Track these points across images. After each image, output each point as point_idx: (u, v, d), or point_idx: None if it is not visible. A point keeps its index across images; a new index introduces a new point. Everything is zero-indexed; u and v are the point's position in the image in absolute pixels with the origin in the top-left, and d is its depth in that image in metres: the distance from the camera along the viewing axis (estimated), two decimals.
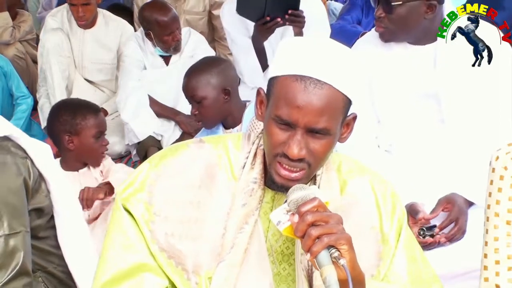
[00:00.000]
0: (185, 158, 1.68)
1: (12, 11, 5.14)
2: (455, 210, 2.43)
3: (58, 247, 2.06)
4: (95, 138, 3.08)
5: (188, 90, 2.93)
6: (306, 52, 1.54)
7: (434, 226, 2.44)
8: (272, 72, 1.58)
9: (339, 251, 1.43)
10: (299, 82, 1.50)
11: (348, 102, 1.55)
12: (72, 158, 3.11)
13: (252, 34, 3.63)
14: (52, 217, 2.05)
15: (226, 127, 2.99)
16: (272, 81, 1.57)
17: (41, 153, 2.01)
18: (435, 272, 1.75)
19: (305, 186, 1.53)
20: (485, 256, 1.77)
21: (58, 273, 2.07)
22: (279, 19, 3.44)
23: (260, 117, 1.62)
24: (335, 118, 1.53)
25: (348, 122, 1.61)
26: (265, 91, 1.61)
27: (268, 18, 3.43)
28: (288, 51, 1.56)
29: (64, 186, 2.06)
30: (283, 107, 1.52)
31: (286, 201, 1.51)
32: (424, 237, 2.41)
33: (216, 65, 2.95)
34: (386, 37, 2.58)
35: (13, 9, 5.19)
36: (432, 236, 2.42)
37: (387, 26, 2.54)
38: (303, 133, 1.52)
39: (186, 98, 2.99)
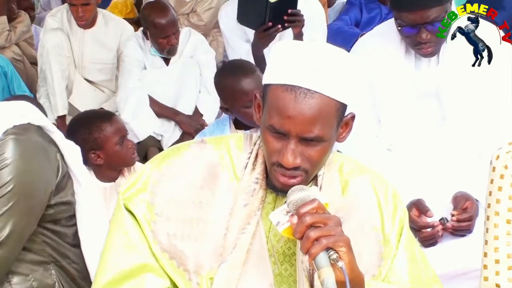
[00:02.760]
0: (188, 158, 1.68)
1: (10, 12, 5.10)
2: (474, 208, 2.43)
3: (75, 245, 2.05)
4: (119, 145, 2.99)
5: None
6: (297, 60, 1.53)
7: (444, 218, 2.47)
8: (265, 78, 1.58)
9: (337, 253, 1.43)
10: (290, 92, 1.50)
11: (342, 106, 1.55)
12: (105, 170, 3.05)
13: (252, 42, 3.62)
14: (73, 215, 2.05)
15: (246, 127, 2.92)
16: (265, 88, 1.57)
17: (72, 151, 2.02)
18: (435, 273, 1.75)
19: (305, 187, 1.53)
20: (485, 255, 1.77)
21: (71, 269, 2.06)
22: (279, 26, 3.44)
23: (258, 120, 1.63)
24: (329, 125, 1.54)
25: (346, 122, 1.62)
26: (261, 94, 1.61)
27: (270, 24, 3.43)
28: (280, 58, 1.56)
29: (90, 188, 2.06)
30: (275, 117, 1.52)
31: (286, 201, 1.52)
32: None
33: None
34: (435, 52, 2.55)
35: (11, 8, 5.15)
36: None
37: (436, 44, 2.50)
38: (296, 142, 1.53)
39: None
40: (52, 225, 1.97)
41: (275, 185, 1.60)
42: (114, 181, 3.08)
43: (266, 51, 3.57)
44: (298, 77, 1.51)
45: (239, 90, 2.79)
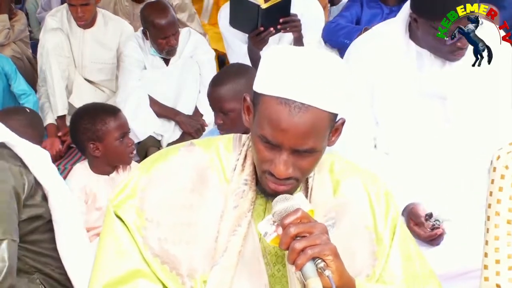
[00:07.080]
0: (176, 162, 1.67)
1: (9, 11, 5.12)
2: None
3: (54, 249, 2.05)
4: (119, 141, 3.02)
5: (215, 101, 2.72)
6: (290, 72, 1.49)
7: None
8: (257, 86, 1.54)
9: (324, 261, 1.43)
10: (284, 106, 1.48)
11: (334, 116, 1.54)
12: (101, 163, 3.08)
13: (248, 45, 3.62)
14: (49, 221, 2.04)
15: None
16: (257, 96, 1.54)
17: (38, 160, 2.00)
18: (431, 268, 1.75)
19: (289, 196, 1.52)
20: (486, 255, 1.77)
21: (55, 274, 2.06)
22: (272, 29, 3.42)
23: (248, 123, 1.61)
24: (321, 137, 1.53)
25: (336, 128, 1.60)
26: (251, 98, 1.59)
27: (262, 29, 3.42)
28: (272, 67, 1.52)
29: (63, 193, 2.05)
30: (267, 128, 1.50)
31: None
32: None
33: (243, 74, 2.72)
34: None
35: (10, 7, 5.17)
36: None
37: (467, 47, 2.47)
38: (289, 154, 1.51)
39: (211, 107, 2.78)
40: (29, 236, 1.96)
41: (266, 190, 1.59)
42: (108, 175, 3.11)
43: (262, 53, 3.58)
44: (292, 91, 1.48)
45: None
